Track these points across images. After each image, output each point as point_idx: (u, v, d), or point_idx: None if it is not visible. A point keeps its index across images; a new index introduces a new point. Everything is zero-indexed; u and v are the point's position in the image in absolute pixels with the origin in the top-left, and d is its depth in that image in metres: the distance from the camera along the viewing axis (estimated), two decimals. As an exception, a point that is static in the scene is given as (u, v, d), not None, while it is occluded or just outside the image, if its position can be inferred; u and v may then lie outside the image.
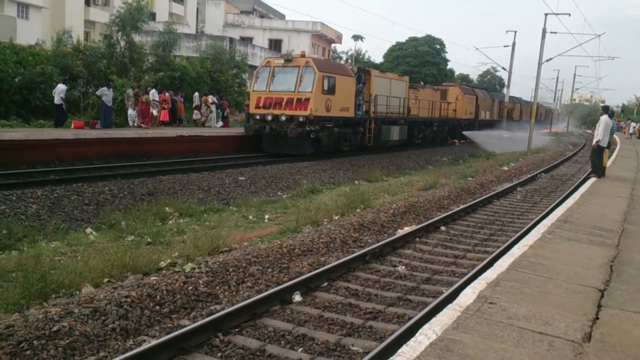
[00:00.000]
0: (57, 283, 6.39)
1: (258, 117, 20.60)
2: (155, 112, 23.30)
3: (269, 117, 20.18)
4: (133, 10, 26.13)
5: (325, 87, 20.11)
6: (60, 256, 8.28)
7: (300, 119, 19.72)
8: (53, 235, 9.54)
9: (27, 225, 9.67)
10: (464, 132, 37.14)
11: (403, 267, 8.21)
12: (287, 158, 20.08)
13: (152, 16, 44.32)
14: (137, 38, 27.78)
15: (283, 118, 19.94)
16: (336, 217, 11.50)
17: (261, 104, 20.65)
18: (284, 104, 20.16)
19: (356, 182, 18.36)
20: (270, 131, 20.33)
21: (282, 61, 20.66)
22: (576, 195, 12.18)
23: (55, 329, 5.04)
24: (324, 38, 57.54)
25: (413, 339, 3.77)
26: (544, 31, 32.63)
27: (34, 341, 4.83)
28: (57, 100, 19.21)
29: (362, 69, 25.41)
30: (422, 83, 38.77)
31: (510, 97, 51.57)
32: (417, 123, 30.08)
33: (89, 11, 44.59)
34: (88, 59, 23.97)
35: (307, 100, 19.80)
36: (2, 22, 32.92)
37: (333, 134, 21.82)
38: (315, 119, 19.90)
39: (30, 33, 32.82)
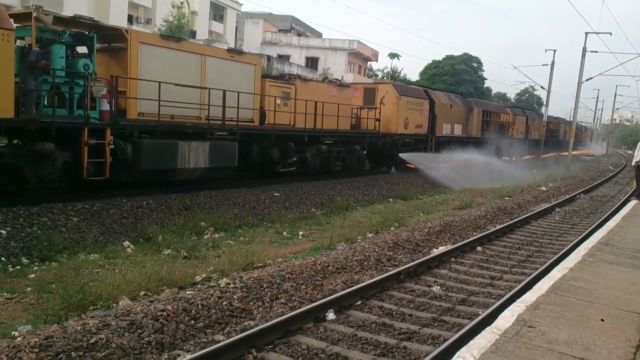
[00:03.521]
0: (95, 295, 6.52)
1: None
2: None
3: None
4: (174, 28, 26.84)
5: None
6: (99, 268, 8.46)
7: None
8: (92, 248, 9.76)
9: (67, 238, 9.90)
10: (402, 155, 23.46)
11: (438, 287, 8.09)
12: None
13: (193, 34, 45.36)
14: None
15: None
16: (370, 235, 11.45)
17: None
18: None
19: (390, 200, 18.27)
20: None
21: None
22: (617, 217, 11.84)
23: (92, 340, 5.12)
24: (360, 56, 57.80)
25: (449, 361, 3.70)
26: (584, 50, 32.20)
27: (72, 352, 4.92)
28: None
29: (85, 20, 11.96)
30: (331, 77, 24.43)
31: (514, 107, 41.52)
32: (274, 138, 16.73)
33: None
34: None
35: None
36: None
37: None
38: None
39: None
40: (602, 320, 4.78)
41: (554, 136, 46.26)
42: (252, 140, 16.23)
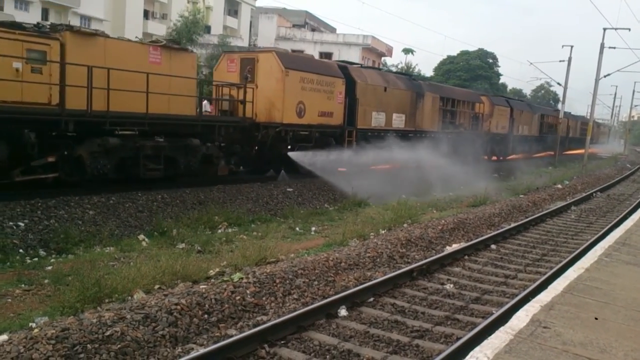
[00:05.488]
0: (110, 288, 6.58)
1: None
2: None
3: None
4: (189, 24, 26.91)
5: None
6: (114, 262, 8.54)
7: None
8: (108, 241, 9.84)
9: (83, 231, 9.99)
10: (290, 154, 16.61)
11: (451, 286, 8.06)
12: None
13: (207, 29, 45.51)
14: (191, 50, 28.26)
15: None
16: (383, 232, 11.43)
17: None
18: None
19: (403, 195, 18.20)
20: None
21: None
22: (635, 216, 11.72)
23: (108, 333, 5.17)
24: (374, 51, 57.56)
25: (463, 361, 3.70)
26: (602, 46, 31.74)
27: (88, 344, 4.97)
28: None
29: None
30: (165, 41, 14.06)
31: (494, 95, 33.67)
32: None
33: (147, 24, 46.23)
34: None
35: None
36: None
37: None
38: None
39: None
40: (596, 319, 4.74)
41: (552, 132, 39.41)
42: None
